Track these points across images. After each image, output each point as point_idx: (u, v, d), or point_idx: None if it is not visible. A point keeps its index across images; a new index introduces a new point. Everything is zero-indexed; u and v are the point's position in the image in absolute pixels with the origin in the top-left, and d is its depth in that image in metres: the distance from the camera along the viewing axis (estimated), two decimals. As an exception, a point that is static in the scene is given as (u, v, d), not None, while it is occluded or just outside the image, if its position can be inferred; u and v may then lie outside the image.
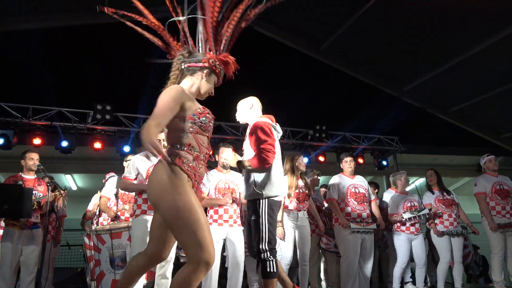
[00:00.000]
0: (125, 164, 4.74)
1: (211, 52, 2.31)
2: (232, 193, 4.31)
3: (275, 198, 3.29)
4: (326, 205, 5.59)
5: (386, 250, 5.75)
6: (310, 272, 5.00)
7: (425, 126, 8.57)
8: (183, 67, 2.29)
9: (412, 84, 7.46)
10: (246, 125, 3.55)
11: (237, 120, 3.58)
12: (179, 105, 2.09)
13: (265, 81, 8.15)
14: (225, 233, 4.21)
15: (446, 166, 10.40)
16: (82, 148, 7.41)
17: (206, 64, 2.26)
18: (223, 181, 4.38)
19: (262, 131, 3.24)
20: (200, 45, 2.33)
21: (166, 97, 2.06)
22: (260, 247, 3.17)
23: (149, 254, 2.25)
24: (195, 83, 2.28)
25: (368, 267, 4.73)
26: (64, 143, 6.95)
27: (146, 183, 3.69)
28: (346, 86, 7.72)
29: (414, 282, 5.51)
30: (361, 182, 4.90)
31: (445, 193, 5.34)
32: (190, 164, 2.11)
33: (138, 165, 3.88)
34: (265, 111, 3.55)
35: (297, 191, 4.59)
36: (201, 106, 2.22)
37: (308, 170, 5.55)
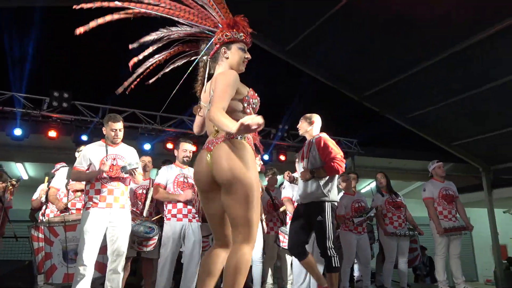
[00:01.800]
0: (76, 154, 4.59)
1: (215, 28, 2.34)
2: (192, 189, 4.27)
3: (335, 203, 3.83)
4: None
5: (340, 249, 5.89)
6: (265, 269, 5.13)
7: (383, 130, 8.72)
8: (207, 61, 2.36)
9: (372, 89, 7.61)
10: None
11: (299, 131, 4.10)
12: (235, 90, 2.16)
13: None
14: (183, 228, 4.17)
15: (400, 170, 10.83)
16: (36, 136, 7.08)
17: (218, 45, 2.30)
18: (182, 175, 4.34)
19: (333, 145, 3.86)
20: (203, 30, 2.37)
21: (225, 83, 2.13)
22: (327, 245, 3.62)
23: (226, 244, 2.24)
24: (227, 65, 2.31)
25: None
26: (18, 131, 6.59)
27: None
28: (309, 88, 7.84)
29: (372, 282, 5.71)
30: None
31: (393, 195, 5.58)
32: (250, 141, 2.20)
33: (90, 156, 3.78)
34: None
35: None
36: (250, 89, 2.30)
37: (268, 168, 5.70)
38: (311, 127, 3.98)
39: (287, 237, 5.16)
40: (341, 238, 5.48)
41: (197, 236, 4.19)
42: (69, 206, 4.44)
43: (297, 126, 4.11)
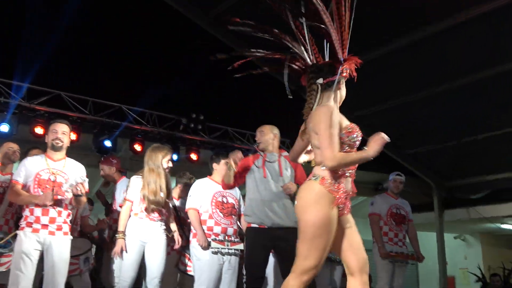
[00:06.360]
0: None
1: (340, 58, 2.67)
2: (55, 190, 3.99)
3: None
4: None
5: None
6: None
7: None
8: (319, 83, 2.68)
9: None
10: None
11: (258, 146, 4.37)
12: (338, 127, 2.54)
13: (136, 46, 7.93)
14: (41, 243, 3.93)
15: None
16: None
17: (344, 74, 2.67)
18: (47, 171, 4.06)
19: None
20: (326, 54, 2.75)
21: (326, 124, 2.52)
22: None
23: (351, 273, 2.68)
24: (337, 95, 2.71)
25: None
26: None
27: None
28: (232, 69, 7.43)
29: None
30: (231, 190, 4.85)
31: None
32: (333, 183, 2.56)
33: None
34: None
35: None
36: (349, 123, 2.64)
37: (182, 172, 5.65)
38: (275, 140, 4.34)
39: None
40: None
41: (61, 253, 3.96)
42: None
43: (257, 139, 4.38)
